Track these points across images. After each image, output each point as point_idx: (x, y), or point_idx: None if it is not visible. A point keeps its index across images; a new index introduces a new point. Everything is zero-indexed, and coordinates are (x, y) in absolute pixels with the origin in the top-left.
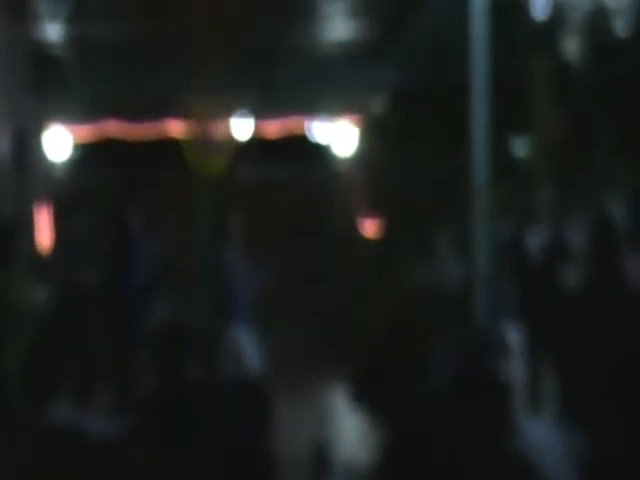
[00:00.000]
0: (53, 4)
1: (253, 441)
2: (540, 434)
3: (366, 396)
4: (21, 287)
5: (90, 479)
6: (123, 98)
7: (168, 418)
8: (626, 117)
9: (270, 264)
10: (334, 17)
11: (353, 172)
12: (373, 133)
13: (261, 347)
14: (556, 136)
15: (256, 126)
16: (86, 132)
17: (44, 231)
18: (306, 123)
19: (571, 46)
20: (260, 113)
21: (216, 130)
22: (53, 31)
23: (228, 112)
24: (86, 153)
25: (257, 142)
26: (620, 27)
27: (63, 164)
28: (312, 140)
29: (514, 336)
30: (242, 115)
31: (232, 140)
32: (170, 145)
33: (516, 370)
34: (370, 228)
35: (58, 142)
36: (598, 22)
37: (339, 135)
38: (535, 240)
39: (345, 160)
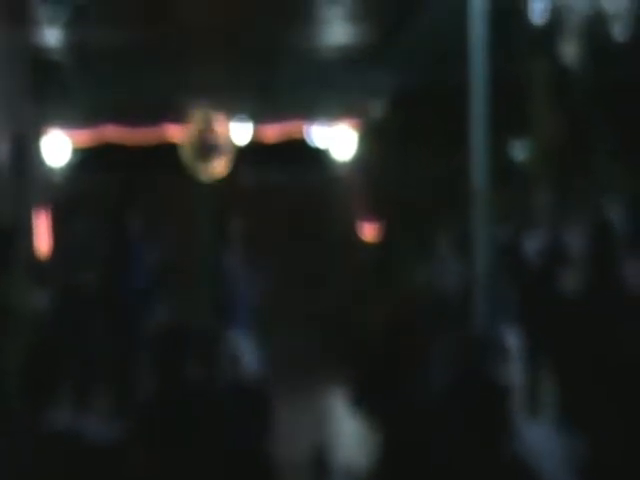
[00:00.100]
0: (52, 9)
1: (252, 444)
2: (539, 438)
3: (365, 400)
4: (20, 291)
5: None
6: (122, 103)
7: (167, 421)
8: (624, 121)
9: (269, 268)
10: (333, 21)
11: (352, 176)
12: (372, 137)
13: (260, 351)
14: (555, 140)
15: (255, 130)
16: (85, 137)
17: (43, 235)
18: (305, 127)
19: (570, 50)
20: (259, 117)
21: (215, 134)
22: (52, 36)
23: (227, 116)
24: (85, 158)
25: (256, 146)
26: (618, 31)
27: (62, 169)
28: (311, 144)
29: (513, 339)
30: (241, 119)
31: (231, 144)
32: (169, 150)
33: (515, 373)
34: (369, 232)
35: (57, 147)
36: (597, 26)
37: (338, 139)
38: (534, 244)
39: (344, 164)
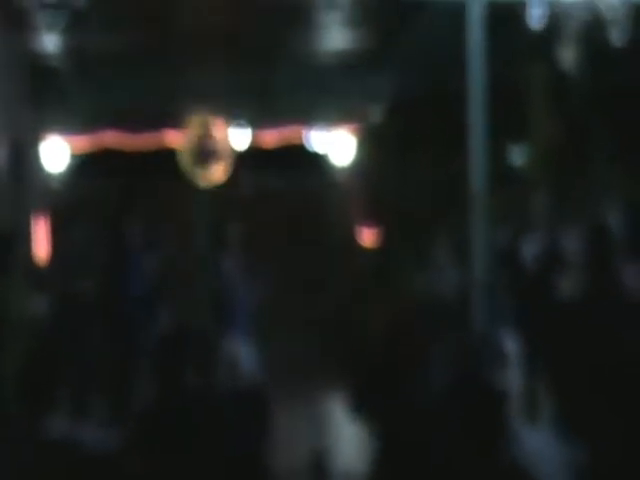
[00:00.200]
0: (51, 15)
1: (251, 449)
2: (537, 443)
3: (364, 405)
4: (19, 297)
5: None
6: (121, 109)
7: (166, 427)
8: (622, 126)
9: (268, 273)
10: (332, 26)
11: (351, 181)
12: (371, 142)
13: (260, 356)
14: (553, 144)
15: (254, 136)
16: (84, 143)
17: (42, 242)
18: (304, 132)
19: (567, 55)
20: (258, 122)
21: (214, 140)
22: (51, 42)
23: (226, 122)
24: (84, 164)
25: (255, 151)
26: (616, 36)
27: (61, 175)
28: (310, 149)
29: (512, 344)
30: (240, 125)
31: (230, 150)
32: (168, 155)
33: (513, 379)
34: (368, 237)
35: (56, 152)
36: (594, 31)
37: (337, 144)
38: (532, 248)
39: (343, 169)
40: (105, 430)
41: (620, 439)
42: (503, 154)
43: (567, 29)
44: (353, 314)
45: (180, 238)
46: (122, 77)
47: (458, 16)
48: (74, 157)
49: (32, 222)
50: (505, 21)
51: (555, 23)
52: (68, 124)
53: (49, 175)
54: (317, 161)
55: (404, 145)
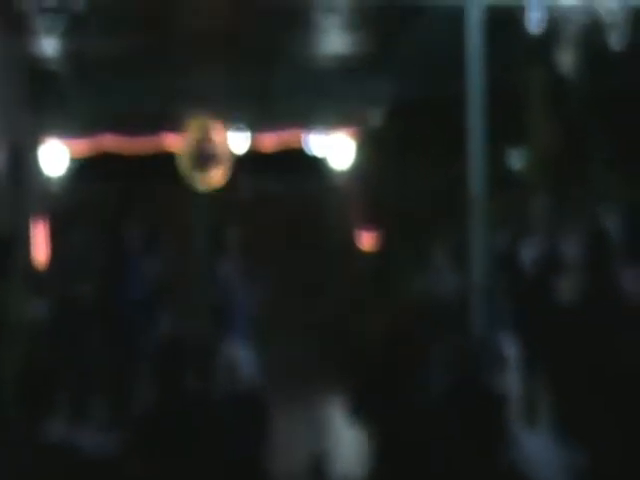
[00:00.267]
0: (50, 19)
1: (250, 453)
2: (536, 447)
3: (363, 408)
4: (18, 301)
5: None
6: (120, 112)
7: (166, 431)
8: (621, 130)
9: (267, 277)
10: (331, 30)
11: (350, 185)
12: (370, 146)
13: (258, 360)
14: (551, 148)
15: (253, 139)
16: (83, 146)
17: (40, 246)
18: (303, 136)
19: (566, 59)
20: (257, 126)
21: (213, 144)
22: (50, 46)
23: (225, 125)
24: (83, 167)
25: (254, 155)
26: (615, 41)
27: (59, 178)
28: (309, 153)
29: (511, 348)
30: (239, 128)
31: (229, 153)
32: (167, 159)
33: (512, 382)
34: (367, 240)
35: (54, 156)
36: (593, 36)
37: (336, 148)
38: (531, 252)
39: (342, 173)
40: (104, 434)
41: (619, 442)
42: (502, 158)
43: (566, 33)
44: (352, 318)
45: (179, 242)
46: (121, 81)
47: (457, 20)
48: (73, 161)
49: (31, 226)
50: (504, 25)
51: (554, 27)
52: (67, 128)
53: (48, 179)
54: (316, 165)
55: (403, 149)
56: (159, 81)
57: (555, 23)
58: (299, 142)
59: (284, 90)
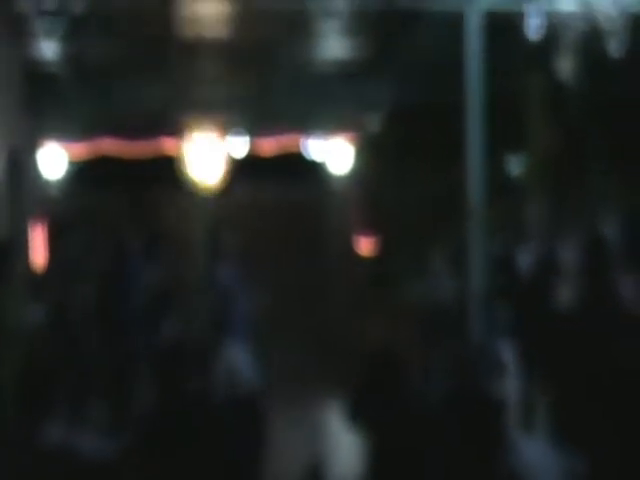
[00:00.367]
0: (49, 22)
1: (249, 456)
2: (534, 453)
3: (362, 413)
4: (16, 305)
5: None
6: (119, 116)
7: (165, 434)
8: (619, 136)
9: (266, 281)
10: (330, 35)
11: (349, 190)
12: (369, 151)
13: (257, 364)
14: (550, 155)
15: (252, 144)
16: (82, 150)
17: (39, 249)
18: (302, 141)
19: (565, 65)
20: (256, 131)
21: (212, 148)
22: (48, 49)
23: (224, 130)
24: (81, 171)
25: (253, 160)
26: (614, 47)
27: (58, 182)
28: (308, 158)
29: (509, 354)
30: (238, 133)
31: (228, 158)
32: (166, 163)
33: (510, 388)
34: (366, 245)
35: (53, 160)
36: (592, 42)
37: (335, 153)
38: (529, 258)
39: (341, 178)
40: (103, 438)
41: (617, 448)
42: (501, 164)
43: (565, 40)
44: (351, 323)
45: (178, 246)
46: (120, 84)
47: (456, 26)
48: (72, 164)
49: (30, 230)
50: (503, 31)
51: (553, 33)
52: (66, 131)
53: (47, 182)
54: (315, 170)
55: (402, 154)
56: (158, 85)
57: (554, 29)
58: (298, 147)
59: (283, 95)
